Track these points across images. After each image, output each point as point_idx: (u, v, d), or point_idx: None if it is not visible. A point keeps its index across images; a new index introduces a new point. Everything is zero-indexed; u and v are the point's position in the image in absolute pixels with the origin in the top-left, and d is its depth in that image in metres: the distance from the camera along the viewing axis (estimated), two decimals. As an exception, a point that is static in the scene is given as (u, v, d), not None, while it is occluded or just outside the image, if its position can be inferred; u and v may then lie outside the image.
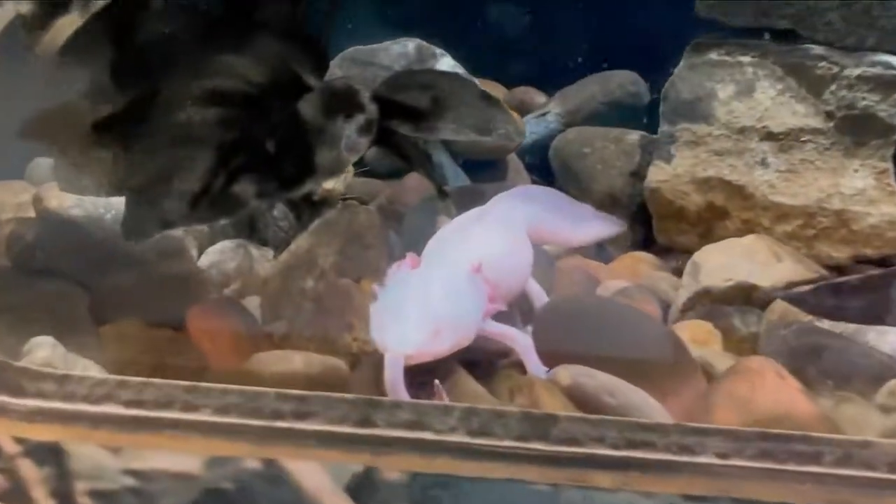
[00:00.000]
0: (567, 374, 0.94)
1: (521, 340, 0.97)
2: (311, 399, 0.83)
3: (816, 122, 1.28)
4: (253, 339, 1.05)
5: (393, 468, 0.79)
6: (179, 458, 0.80)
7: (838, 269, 1.26)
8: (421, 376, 0.91)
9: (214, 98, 1.00)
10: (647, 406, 0.93)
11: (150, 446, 0.81)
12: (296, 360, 0.98)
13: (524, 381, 0.95)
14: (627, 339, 1.02)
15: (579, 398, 0.93)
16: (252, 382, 0.87)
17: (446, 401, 0.90)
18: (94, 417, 0.83)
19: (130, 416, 0.82)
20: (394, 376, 0.87)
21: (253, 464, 0.80)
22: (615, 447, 0.80)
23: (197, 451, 0.80)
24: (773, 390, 0.93)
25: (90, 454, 0.81)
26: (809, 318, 1.13)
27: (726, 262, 1.20)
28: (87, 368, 0.96)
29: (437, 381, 0.91)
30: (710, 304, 1.19)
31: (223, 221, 1.02)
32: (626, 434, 0.81)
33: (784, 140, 1.29)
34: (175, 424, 0.82)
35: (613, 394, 0.93)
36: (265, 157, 0.98)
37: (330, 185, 1.25)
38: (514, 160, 1.57)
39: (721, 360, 1.07)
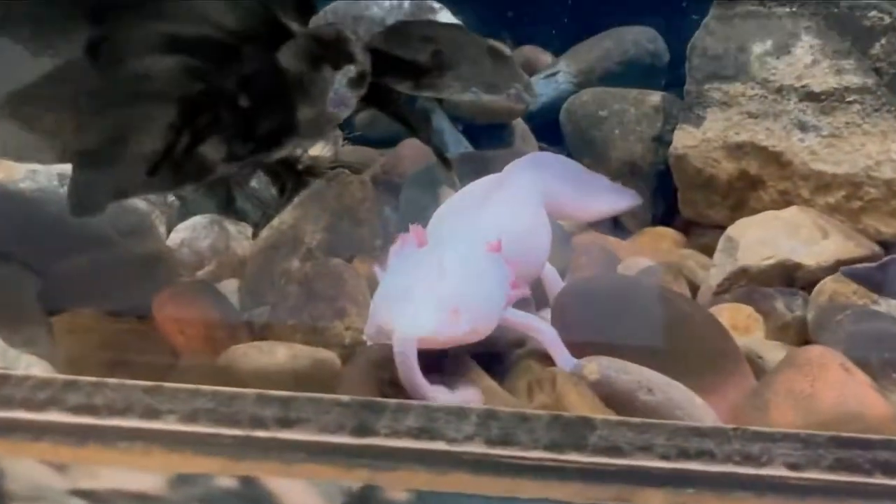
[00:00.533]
0: (596, 367, 0.85)
1: (547, 331, 0.89)
2: (298, 402, 0.74)
3: (864, 80, 1.20)
4: (230, 328, 0.97)
5: (397, 486, 0.70)
6: (139, 476, 0.71)
7: (884, 246, 1.18)
8: (426, 372, 0.81)
9: (177, 45, 0.92)
10: (692, 405, 0.84)
11: (103, 461, 0.72)
12: (279, 354, 0.89)
13: (545, 375, 0.86)
14: (661, 326, 0.92)
15: (610, 395, 0.84)
16: (228, 380, 0.81)
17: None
18: (36, 426, 0.74)
19: (79, 425, 0.73)
20: (407, 363, 0.77)
21: (227, 482, 0.71)
22: (665, 458, 0.71)
23: (160, 467, 0.72)
24: (838, 385, 0.83)
25: (30, 471, 0.72)
26: (864, 301, 1.04)
27: (766, 237, 1.12)
28: (31, 367, 0.87)
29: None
30: (748, 284, 1.12)
31: (188, 189, 0.89)
32: (678, 441, 0.72)
33: (827, 101, 1.21)
34: (134, 434, 0.73)
35: (651, 390, 0.84)
36: (237, 114, 0.91)
37: (317, 151, 1.19)
38: (520, 125, 1.52)
39: (768, 349, 0.98)
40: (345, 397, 0.74)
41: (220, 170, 0.89)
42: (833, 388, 0.83)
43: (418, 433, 0.72)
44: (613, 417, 0.78)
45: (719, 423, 0.80)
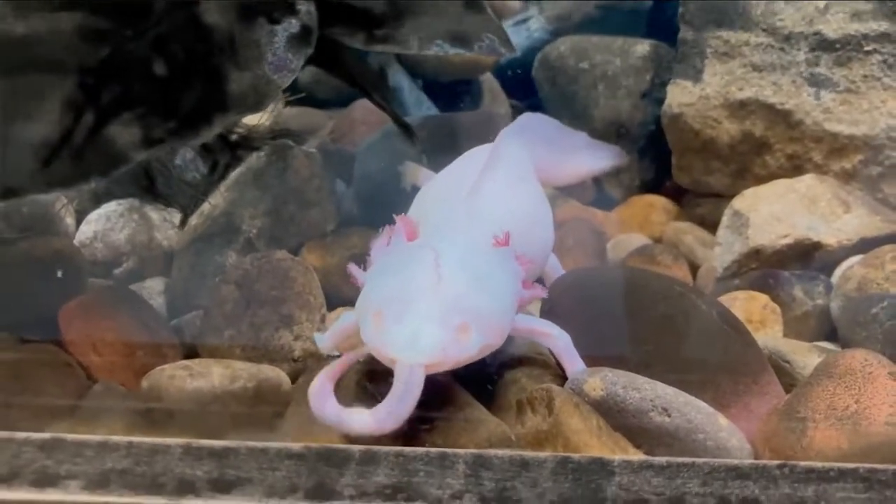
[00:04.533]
0: (600, 382, 0.77)
1: (560, 337, 0.81)
2: (238, 455, 0.64)
3: (885, 26, 1.12)
4: (154, 344, 0.87)
5: (365, 566, 0.61)
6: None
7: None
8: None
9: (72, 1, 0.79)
10: (716, 427, 0.75)
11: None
12: (214, 375, 0.79)
13: (539, 393, 0.76)
14: (671, 327, 0.83)
15: (618, 417, 0.76)
16: (151, 414, 0.74)
17: None
18: None
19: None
20: (413, 398, 0.67)
21: (148, 572, 0.59)
22: (703, 509, 0.63)
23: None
24: (889, 399, 0.75)
25: None
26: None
27: (781, 212, 1.04)
28: None
29: None
30: (759, 267, 1.03)
31: (95, 183, 0.76)
32: (717, 488, 0.64)
33: (842, 50, 1.13)
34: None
35: (667, 410, 0.75)
36: (152, 86, 0.79)
37: (252, 119, 1.06)
38: (488, 80, 1.43)
39: (793, 350, 0.87)
40: (296, 446, 0.64)
41: (135, 156, 0.76)
42: (884, 402, 0.74)
43: (392, 491, 0.62)
44: (634, 458, 0.68)
45: (761, 461, 0.70)
